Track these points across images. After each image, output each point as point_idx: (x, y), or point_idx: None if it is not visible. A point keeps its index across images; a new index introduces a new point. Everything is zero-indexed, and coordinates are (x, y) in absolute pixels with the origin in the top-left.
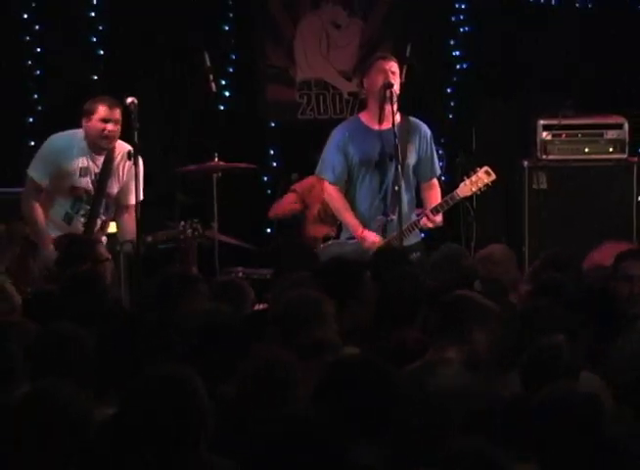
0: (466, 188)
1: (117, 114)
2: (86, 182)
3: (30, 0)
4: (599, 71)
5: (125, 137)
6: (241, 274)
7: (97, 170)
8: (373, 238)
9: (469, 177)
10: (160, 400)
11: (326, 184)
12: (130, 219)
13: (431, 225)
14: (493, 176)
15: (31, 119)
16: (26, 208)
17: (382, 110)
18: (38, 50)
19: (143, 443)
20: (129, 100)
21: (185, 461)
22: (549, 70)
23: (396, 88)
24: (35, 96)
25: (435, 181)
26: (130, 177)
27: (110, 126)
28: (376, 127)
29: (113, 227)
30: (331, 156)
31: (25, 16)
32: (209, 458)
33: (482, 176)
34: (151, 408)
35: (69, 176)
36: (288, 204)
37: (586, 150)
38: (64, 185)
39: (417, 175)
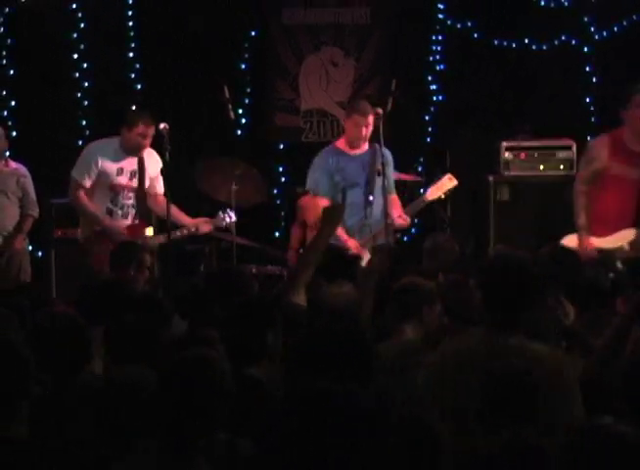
0: (432, 193)
1: (152, 130)
2: (123, 180)
3: (80, 43)
4: (550, 103)
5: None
6: (254, 270)
7: (130, 169)
8: (353, 246)
9: (434, 183)
10: (191, 380)
11: (318, 199)
12: (161, 201)
13: (404, 223)
14: (455, 182)
15: (80, 142)
16: (75, 201)
17: (353, 143)
18: (86, 84)
19: (179, 418)
20: (162, 125)
21: (205, 439)
22: (509, 101)
23: (367, 134)
24: (84, 122)
25: (394, 194)
26: (154, 172)
27: (146, 141)
28: (351, 152)
29: (149, 231)
30: (319, 177)
31: (75, 56)
32: (227, 437)
33: (446, 182)
34: (182, 387)
35: (108, 175)
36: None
37: (541, 167)
38: (104, 183)
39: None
